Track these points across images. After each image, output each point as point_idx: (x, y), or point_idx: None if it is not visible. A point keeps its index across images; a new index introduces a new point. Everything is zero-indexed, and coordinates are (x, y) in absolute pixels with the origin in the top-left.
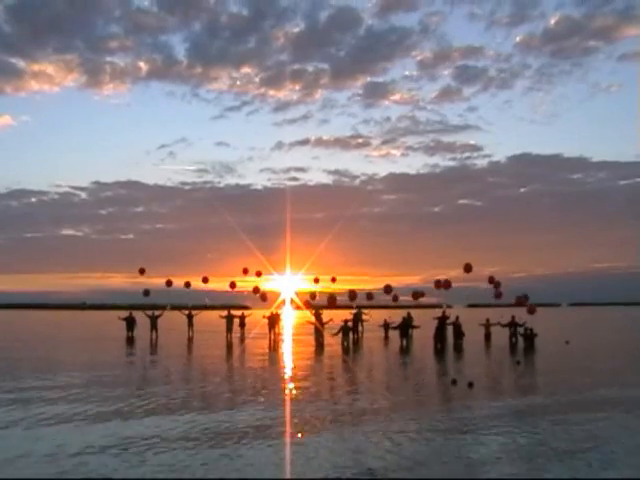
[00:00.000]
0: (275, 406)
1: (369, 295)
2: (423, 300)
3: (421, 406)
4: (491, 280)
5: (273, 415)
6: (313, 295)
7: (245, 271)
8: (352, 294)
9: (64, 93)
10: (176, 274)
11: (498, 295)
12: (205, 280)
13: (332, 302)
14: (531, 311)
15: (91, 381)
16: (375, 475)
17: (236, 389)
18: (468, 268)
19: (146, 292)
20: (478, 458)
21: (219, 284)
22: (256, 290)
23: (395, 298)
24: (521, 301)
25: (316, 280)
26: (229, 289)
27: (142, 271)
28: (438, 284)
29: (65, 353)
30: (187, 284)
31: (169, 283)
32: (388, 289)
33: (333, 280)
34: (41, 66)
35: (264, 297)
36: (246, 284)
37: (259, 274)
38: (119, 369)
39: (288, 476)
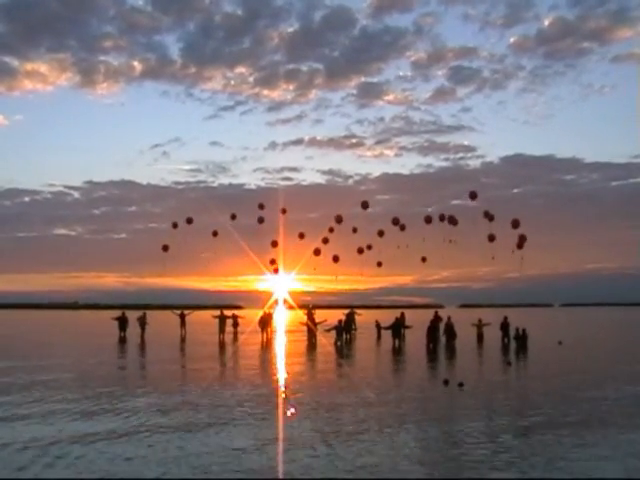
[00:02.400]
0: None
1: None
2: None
3: (410, 405)
4: (472, 195)
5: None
6: (317, 251)
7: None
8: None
9: (57, 92)
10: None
11: (472, 196)
12: None
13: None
14: (520, 243)
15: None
16: None
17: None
18: (473, 195)
19: (165, 247)
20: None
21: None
22: (272, 262)
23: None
24: (516, 223)
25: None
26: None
27: (189, 220)
28: (442, 218)
29: (55, 359)
30: None
31: None
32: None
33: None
34: (34, 65)
35: (276, 271)
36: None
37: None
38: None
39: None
